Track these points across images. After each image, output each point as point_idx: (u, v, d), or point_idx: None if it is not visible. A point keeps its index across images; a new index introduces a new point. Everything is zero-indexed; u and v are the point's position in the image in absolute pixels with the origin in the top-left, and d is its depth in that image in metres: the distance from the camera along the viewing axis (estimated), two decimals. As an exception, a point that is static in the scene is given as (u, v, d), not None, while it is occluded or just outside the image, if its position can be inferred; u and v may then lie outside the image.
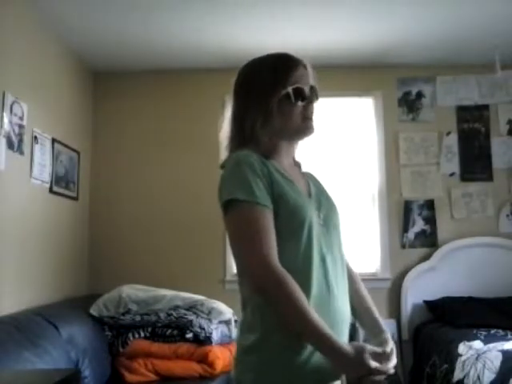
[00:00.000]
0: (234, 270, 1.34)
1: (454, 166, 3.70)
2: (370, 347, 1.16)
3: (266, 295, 1.17)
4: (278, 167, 1.29)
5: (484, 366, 2.43)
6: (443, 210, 3.66)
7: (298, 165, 1.44)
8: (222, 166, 1.29)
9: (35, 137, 2.83)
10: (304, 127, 1.33)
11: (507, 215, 3.64)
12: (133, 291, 3.02)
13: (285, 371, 1.16)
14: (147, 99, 3.78)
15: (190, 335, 2.80)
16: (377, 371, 1.13)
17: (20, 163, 2.68)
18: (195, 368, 2.74)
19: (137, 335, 2.83)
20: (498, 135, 3.72)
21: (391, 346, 1.27)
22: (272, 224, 1.19)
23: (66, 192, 3.26)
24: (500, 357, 2.43)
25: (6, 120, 2.51)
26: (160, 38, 3.28)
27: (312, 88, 1.33)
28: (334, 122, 3.72)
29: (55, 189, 3.08)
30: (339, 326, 1.23)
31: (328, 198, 1.40)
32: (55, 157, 3.08)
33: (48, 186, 3.00)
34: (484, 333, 2.84)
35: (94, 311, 2.89)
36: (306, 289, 1.18)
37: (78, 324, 2.63)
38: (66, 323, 2.49)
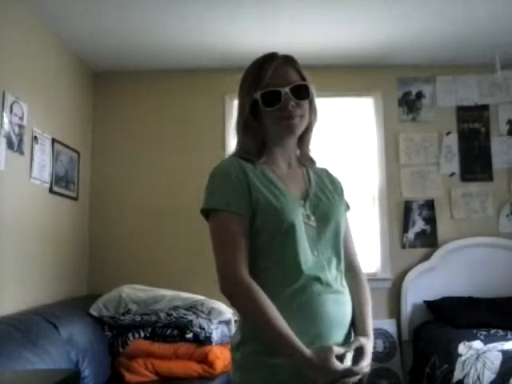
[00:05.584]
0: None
1: (454, 166, 3.70)
2: (337, 349, 1.12)
3: (232, 303, 1.21)
4: (265, 171, 1.30)
5: (484, 365, 2.42)
6: (443, 209, 3.66)
7: (303, 164, 1.42)
8: None
9: (35, 137, 2.83)
10: (281, 128, 1.30)
11: (507, 215, 3.64)
12: (133, 291, 3.02)
13: (264, 370, 1.17)
14: (147, 99, 3.77)
15: (190, 335, 2.80)
16: (349, 372, 1.09)
17: (20, 163, 2.67)
18: (195, 368, 2.74)
19: (137, 335, 2.83)
20: (498, 135, 3.72)
21: (360, 343, 1.19)
22: (244, 231, 1.21)
23: (66, 192, 3.26)
24: (500, 357, 2.43)
25: (6, 120, 2.51)
26: (160, 38, 3.28)
27: (296, 87, 1.28)
28: (334, 122, 3.72)
29: (55, 189, 3.08)
30: (328, 330, 1.19)
31: (331, 199, 1.38)
32: (55, 157, 3.08)
33: (48, 185, 3.00)
34: (484, 333, 2.83)
35: (93, 311, 2.89)
36: (282, 291, 1.19)
37: (78, 324, 2.62)
38: (66, 323, 2.49)
